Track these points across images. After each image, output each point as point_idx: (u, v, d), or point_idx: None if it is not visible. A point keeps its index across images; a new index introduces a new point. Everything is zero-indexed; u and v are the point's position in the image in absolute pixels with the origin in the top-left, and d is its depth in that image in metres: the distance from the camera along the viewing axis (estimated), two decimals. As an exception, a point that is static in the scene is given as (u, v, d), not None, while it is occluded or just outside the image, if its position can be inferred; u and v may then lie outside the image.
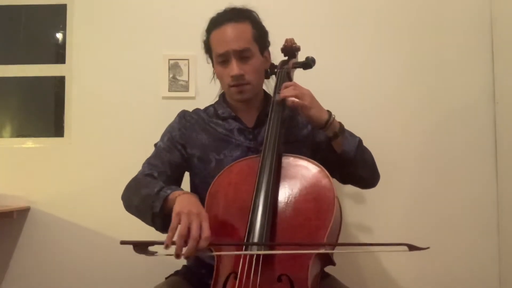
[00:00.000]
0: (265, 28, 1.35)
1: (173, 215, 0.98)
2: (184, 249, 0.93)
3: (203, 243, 0.94)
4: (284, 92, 1.19)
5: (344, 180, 1.33)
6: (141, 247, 0.93)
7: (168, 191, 1.09)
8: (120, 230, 1.80)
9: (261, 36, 1.32)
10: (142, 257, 1.72)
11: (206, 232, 0.95)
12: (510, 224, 1.72)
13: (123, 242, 0.92)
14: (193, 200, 1.04)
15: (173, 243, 0.93)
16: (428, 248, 0.89)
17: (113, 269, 1.80)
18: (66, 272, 1.82)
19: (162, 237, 0.98)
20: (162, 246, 0.92)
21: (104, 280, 1.80)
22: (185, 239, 0.93)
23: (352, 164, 1.25)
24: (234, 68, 1.25)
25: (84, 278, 1.81)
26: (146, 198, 1.12)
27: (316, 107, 1.20)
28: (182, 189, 1.13)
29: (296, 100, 1.17)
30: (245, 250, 1.00)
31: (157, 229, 1.13)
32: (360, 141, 1.28)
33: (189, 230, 0.94)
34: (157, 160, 1.30)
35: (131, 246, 0.92)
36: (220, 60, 1.28)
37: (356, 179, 1.32)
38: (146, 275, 1.61)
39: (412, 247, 0.89)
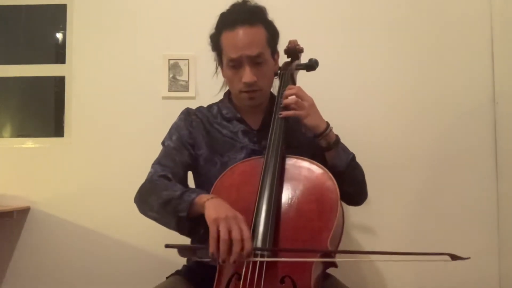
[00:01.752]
0: (277, 30, 1.31)
1: (210, 222, 0.97)
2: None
3: (247, 245, 0.94)
4: (285, 99, 1.21)
5: None
6: (187, 251, 0.93)
7: (193, 195, 1.06)
8: (120, 230, 1.80)
9: (273, 39, 1.29)
10: (142, 257, 1.75)
11: (247, 233, 0.95)
12: (510, 224, 1.72)
13: (168, 246, 0.93)
14: (224, 203, 1.02)
15: (218, 249, 0.94)
16: (469, 258, 0.89)
17: (113, 269, 1.80)
18: (66, 272, 1.81)
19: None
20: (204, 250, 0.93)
21: (104, 280, 1.80)
22: (229, 245, 0.94)
23: (340, 178, 1.22)
24: (248, 75, 1.22)
25: (84, 278, 1.81)
26: (169, 201, 1.08)
27: (312, 115, 1.20)
28: (205, 192, 1.09)
29: (291, 112, 1.19)
30: None
31: (182, 233, 1.10)
32: (353, 157, 1.27)
33: (229, 234, 0.94)
34: (169, 161, 1.26)
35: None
36: (231, 64, 1.25)
37: (342, 194, 1.31)
38: (146, 275, 1.62)
39: (454, 257, 0.89)
